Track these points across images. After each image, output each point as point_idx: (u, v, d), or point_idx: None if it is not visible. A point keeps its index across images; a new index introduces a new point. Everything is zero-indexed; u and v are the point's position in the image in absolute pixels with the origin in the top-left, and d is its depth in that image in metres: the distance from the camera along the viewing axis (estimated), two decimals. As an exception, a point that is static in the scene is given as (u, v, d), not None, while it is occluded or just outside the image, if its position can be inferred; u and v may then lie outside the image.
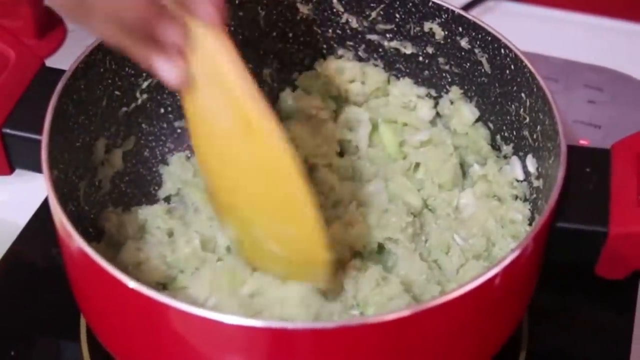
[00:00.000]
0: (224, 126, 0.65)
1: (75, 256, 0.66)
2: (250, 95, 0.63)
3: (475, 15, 0.79)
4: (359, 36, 0.85)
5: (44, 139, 0.68)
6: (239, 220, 0.70)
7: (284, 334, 0.58)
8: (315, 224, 0.65)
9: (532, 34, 1.06)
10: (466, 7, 1.15)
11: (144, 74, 0.81)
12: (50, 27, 1.14)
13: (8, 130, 0.73)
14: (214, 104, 0.65)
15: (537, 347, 0.80)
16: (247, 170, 0.66)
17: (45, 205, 0.88)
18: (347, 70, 0.86)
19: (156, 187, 0.85)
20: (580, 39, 1.14)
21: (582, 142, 0.95)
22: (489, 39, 0.78)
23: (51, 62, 1.07)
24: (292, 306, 0.68)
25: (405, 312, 0.58)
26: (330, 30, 0.86)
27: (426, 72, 0.85)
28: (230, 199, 0.70)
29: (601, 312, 0.84)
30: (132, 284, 0.60)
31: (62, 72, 0.74)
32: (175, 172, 0.85)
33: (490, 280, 0.60)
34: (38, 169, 0.69)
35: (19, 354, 0.78)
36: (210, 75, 0.64)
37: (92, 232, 0.78)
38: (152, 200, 0.84)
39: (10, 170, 0.76)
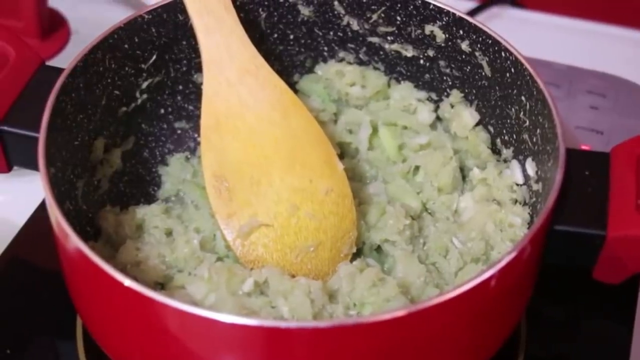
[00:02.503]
0: (258, 111, 0.76)
1: (71, 254, 0.65)
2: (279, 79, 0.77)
3: (481, 21, 0.79)
4: (360, 39, 0.85)
5: (41, 136, 0.68)
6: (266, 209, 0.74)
7: (278, 333, 0.58)
8: (344, 179, 0.77)
9: (535, 40, 1.07)
10: (471, 13, 1.15)
11: (144, 74, 0.81)
12: (54, 28, 1.14)
13: (6, 128, 0.73)
14: (250, 95, 0.76)
15: (535, 351, 0.79)
16: (280, 146, 0.75)
17: (44, 205, 0.87)
18: (347, 73, 0.86)
19: (155, 188, 0.85)
20: (584, 45, 1.14)
21: (584, 147, 0.94)
22: (490, 42, 0.77)
23: (54, 63, 1.08)
24: (296, 300, 0.68)
25: (401, 312, 0.57)
26: (331, 33, 0.85)
27: (427, 76, 0.85)
28: (258, 185, 0.75)
29: (601, 316, 0.83)
30: (127, 282, 0.60)
31: (61, 70, 0.74)
32: (174, 173, 0.85)
33: (487, 282, 0.60)
34: (36, 167, 0.69)
35: (14, 352, 0.78)
36: (246, 69, 0.76)
37: (90, 231, 0.78)
38: (150, 200, 0.84)
39: (8, 168, 0.76)
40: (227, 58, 0.76)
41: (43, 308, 0.82)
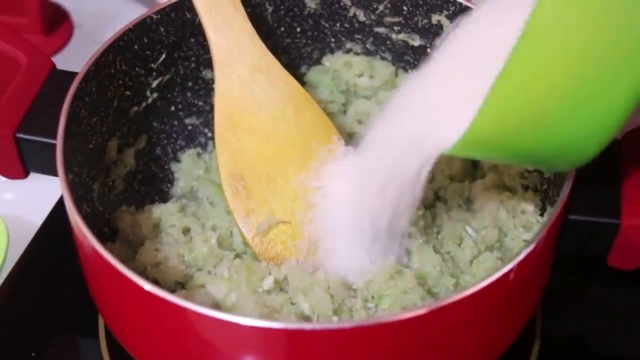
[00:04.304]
0: (271, 109, 0.76)
1: (92, 259, 0.66)
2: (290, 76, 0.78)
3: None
4: (367, 29, 0.85)
5: (59, 143, 0.69)
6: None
7: (301, 335, 0.59)
8: None
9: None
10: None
11: (154, 73, 0.82)
12: (57, 23, 1.14)
13: (22, 135, 0.74)
14: (262, 92, 0.76)
15: (551, 335, 0.80)
16: (294, 142, 0.77)
17: (60, 203, 0.88)
18: (355, 64, 0.86)
19: (169, 185, 0.86)
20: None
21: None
22: (497, 30, 0.78)
23: (59, 58, 1.09)
24: (316, 296, 0.69)
25: (422, 310, 0.58)
26: (338, 24, 0.86)
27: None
28: (274, 183, 0.76)
29: (616, 299, 0.84)
30: (147, 286, 0.61)
31: (73, 74, 0.74)
32: (187, 170, 0.86)
33: (506, 276, 0.61)
34: (53, 172, 0.70)
35: (38, 354, 0.79)
36: (257, 67, 0.76)
37: (107, 232, 0.79)
38: (165, 198, 0.85)
39: (25, 174, 0.77)
40: (237, 56, 0.77)
41: (65, 307, 0.83)
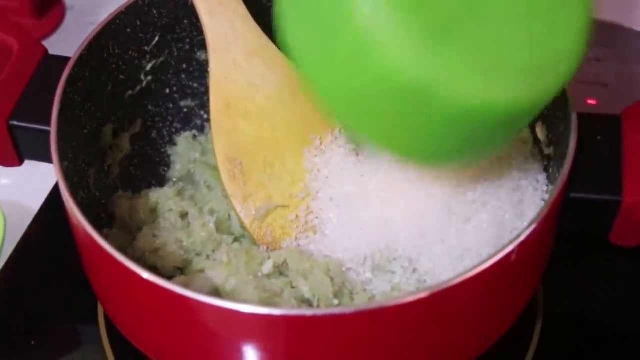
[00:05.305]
0: (267, 92, 0.75)
1: (89, 247, 0.66)
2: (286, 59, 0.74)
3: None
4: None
5: (52, 130, 0.68)
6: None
7: (303, 321, 0.58)
8: None
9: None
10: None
11: (148, 56, 0.81)
12: (49, 5, 1.12)
13: (15, 122, 0.73)
14: (258, 76, 0.75)
15: (553, 311, 0.80)
16: (291, 126, 0.76)
17: (57, 187, 0.87)
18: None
19: (165, 169, 0.85)
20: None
21: (590, 102, 0.94)
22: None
23: (52, 41, 1.08)
24: (317, 280, 0.69)
25: (424, 294, 0.58)
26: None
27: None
28: (272, 167, 0.75)
29: (618, 276, 0.84)
30: (145, 274, 0.60)
31: (65, 60, 0.73)
32: (183, 153, 0.85)
33: (507, 256, 0.60)
34: (47, 159, 0.69)
35: (38, 342, 0.79)
36: (252, 50, 0.75)
37: (105, 218, 0.78)
38: (161, 182, 0.84)
39: (20, 162, 0.76)
40: (232, 39, 0.76)
41: (64, 295, 0.83)
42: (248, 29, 0.76)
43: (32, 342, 0.79)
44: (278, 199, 0.74)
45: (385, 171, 0.72)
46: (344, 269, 0.70)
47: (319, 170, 0.75)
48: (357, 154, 0.75)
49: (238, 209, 0.74)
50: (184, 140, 0.86)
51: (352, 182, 0.73)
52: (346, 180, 0.73)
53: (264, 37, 0.77)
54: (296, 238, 0.74)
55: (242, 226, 0.75)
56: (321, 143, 0.76)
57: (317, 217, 0.74)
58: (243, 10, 0.76)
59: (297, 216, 0.74)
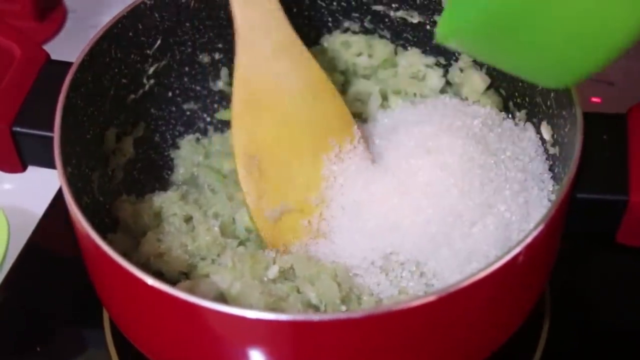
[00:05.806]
0: (291, 90, 0.75)
1: (94, 253, 0.65)
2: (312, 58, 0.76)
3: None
4: (364, 7, 0.84)
5: (56, 136, 0.68)
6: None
7: (309, 326, 0.58)
8: None
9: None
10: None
11: (150, 60, 0.80)
12: (50, 8, 1.12)
13: (18, 129, 0.73)
14: (283, 72, 0.74)
15: (560, 314, 0.80)
16: (312, 128, 0.75)
17: (61, 191, 0.87)
18: (353, 44, 0.85)
19: (169, 172, 0.85)
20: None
21: (595, 100, 0.94)
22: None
23: (53, 45, 1.08)
24: (324, 285, 0.68)
25: (431, 298, 0.57)
26: (334, 3, 0.84)
27: (434, 41, 0.84)
28: (289, 167, 0.75)
29: (625, 275, 0.84)
30: (150, 280, 0.60)
31: (68, 65, 0.73)
32: (186, 156, 0.85)
33: (515, 258, 0.60)
34: (51, 165, 0.69)
35: (44, 348, 0.79)
36: (280, 44, 0.74)
37: (109, 223, 0.78)
38: (165, 185, 0.84)
39: (23, 168, 0.76)
40: (262, 33, 0.75)
41: (69, 299, 0.83)
42: (279, 23, 0.75)
43: (38, 348, 0.79)
44: (292, 201, 0.74)
45: (392, 177, 0.72)
46: (351, 274, 0.70)
47: (334, 178, 0.75)
48: (373, 162, 0.75)
49: (252, 207, 0.73)
50: (187, 143, 0.85)
51: (362, 189, 0.73)
52: (357, 187, 0.73)
53: (293, 34, 0.76)
54: (306, 244, 0.73)
55: (253, 225, 0.74)
56: (340, 151, 0.76)
57: (327, 224, 0.74)
58: (275, 4, 0.75)
59: (309, 222, 0.74)
